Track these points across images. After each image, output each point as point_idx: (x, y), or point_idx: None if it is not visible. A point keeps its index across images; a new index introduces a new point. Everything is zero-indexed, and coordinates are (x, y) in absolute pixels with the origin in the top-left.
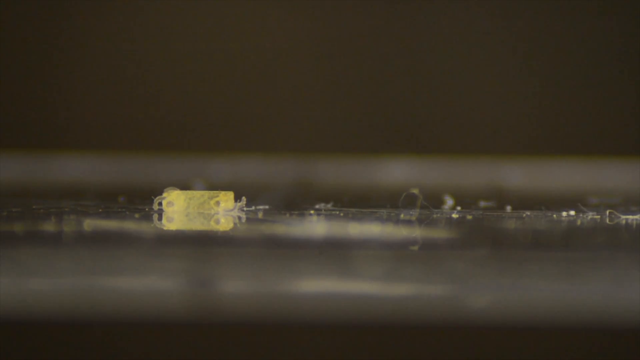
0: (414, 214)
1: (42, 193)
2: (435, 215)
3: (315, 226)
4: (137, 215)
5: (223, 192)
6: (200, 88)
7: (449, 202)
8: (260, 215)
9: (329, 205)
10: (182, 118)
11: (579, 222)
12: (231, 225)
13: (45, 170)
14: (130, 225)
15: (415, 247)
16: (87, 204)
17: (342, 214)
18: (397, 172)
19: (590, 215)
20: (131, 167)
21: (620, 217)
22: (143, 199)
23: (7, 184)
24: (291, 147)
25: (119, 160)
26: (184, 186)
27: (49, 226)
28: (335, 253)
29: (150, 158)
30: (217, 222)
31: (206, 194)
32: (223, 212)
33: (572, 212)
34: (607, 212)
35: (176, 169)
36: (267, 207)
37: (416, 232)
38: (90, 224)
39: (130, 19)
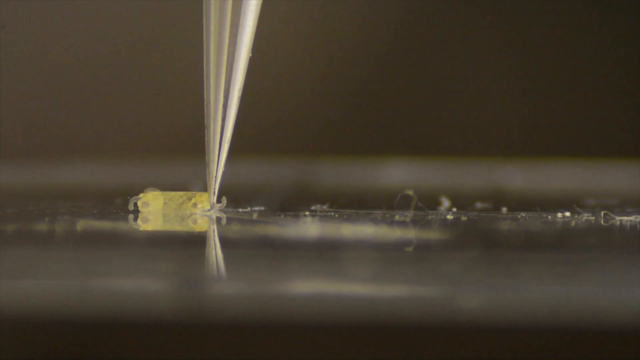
0: (409, 215)
1: (38, 195)
2: (430, 217)
3: (309, 227)
4: (110, 216)
5: (199, 193)
6: (198, 89)
7: (446, 203)
8: (255, 216)
9: (325, 207)
10: (182, 119)
11: (573, 223)
12: (207, 226)
13: (41, 175)
14: (102, 226)
15: (409, 249)
16: (64, 206)
17: (336, 215)
18: (394, 173)
19: (585, 216)
20: (129, 171)
21: (615, 218)
22: (124, 201)
23: (5, 185)
24: (288, 148)
25: (116, 164)
26: (181, 188)
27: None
28: (329, 254)
29: (149, 161)
30: (194, 222)
31: (184, 194)
32: (201, 212)
33: (567, 214)
34: (602, 213)
35: (175, 171)
36: (262, 208)
37: (409, 234)
38: (59, 224)
39: (128, 19)
